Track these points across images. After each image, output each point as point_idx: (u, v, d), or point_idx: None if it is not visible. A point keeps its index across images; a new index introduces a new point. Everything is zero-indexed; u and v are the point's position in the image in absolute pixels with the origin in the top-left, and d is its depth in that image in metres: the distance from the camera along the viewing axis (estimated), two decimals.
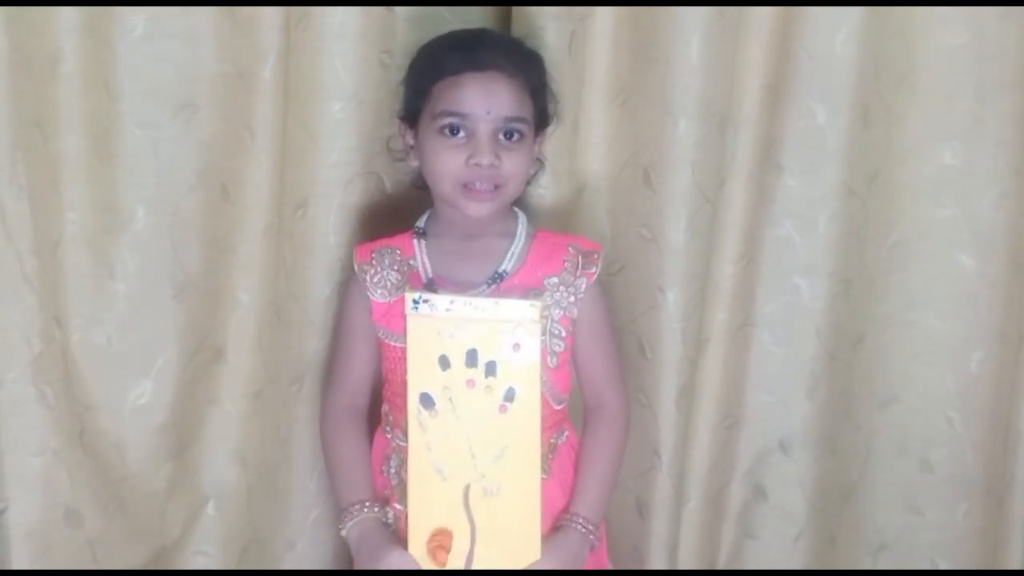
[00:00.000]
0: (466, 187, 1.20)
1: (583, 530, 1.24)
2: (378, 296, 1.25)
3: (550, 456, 1.27)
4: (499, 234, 1.27)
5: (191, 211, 1.26)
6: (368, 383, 1.32)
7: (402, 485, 1.24)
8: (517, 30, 1.35)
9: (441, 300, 1.18)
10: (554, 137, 1.33)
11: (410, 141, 1.26)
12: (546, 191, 1.38)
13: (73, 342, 1.23)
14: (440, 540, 1.20)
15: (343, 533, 1.25)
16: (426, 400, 1.19)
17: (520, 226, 1.28)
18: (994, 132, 1.41)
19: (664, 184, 1.34)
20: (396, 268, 1.26)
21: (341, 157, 1.34)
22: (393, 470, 1.27)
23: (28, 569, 1.22)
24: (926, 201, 1.44)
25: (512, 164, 1.21)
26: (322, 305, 1.37)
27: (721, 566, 1.55)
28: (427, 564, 1.20)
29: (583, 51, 1.35)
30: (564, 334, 1.25)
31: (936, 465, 1.54)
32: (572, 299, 1.25)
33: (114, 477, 1.29)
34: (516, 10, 1.36)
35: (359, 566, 1.24)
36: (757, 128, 1.35)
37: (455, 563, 1.20)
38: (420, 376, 1.19)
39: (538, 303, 1.19)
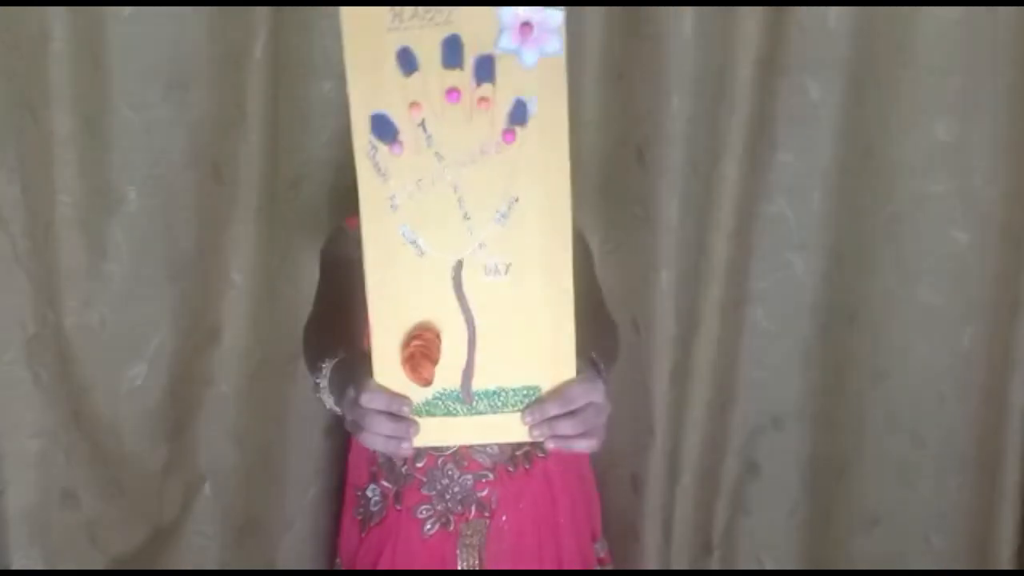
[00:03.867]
0: None
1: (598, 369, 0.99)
2: None
3: (535, 451, 1.20)
4: None
5: (184, 191, 1.26)
6: (359, 334, 1.05)
7: (389, 462, 1.19)
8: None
9: None
10: None
11: None
12: None
13: (67, 324, 1.22)
14: (421, 346, 0.83)
15: (326, 402, 0.97)
16: (382, 128, 0.79)
17: None
18: (988, 107, 1.40)
19: (657, 161, 1.34)
20: None
21: (333, 136, 1.33)
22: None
23: (28, 569, 1.22)
24: (919, 176, 1.44)
25: None
26: (316, 285, 1.37)
27: (715, 541, 1.56)
28: (404, 383, 0.84)
29: (576, 28, 1.34)
30: None
31: (929, 439, 1.54)
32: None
33: (111, 458, 1.29)
34: None
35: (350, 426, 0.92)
36: (751, 104, 1.34)
37: (446, 379, 0.84)
38: (368, 85, 0.78)
39: None
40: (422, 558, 1.20)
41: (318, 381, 0.96)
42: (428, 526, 1.20)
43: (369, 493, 1.24)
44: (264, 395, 1.38)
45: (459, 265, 0.83)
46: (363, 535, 1.24)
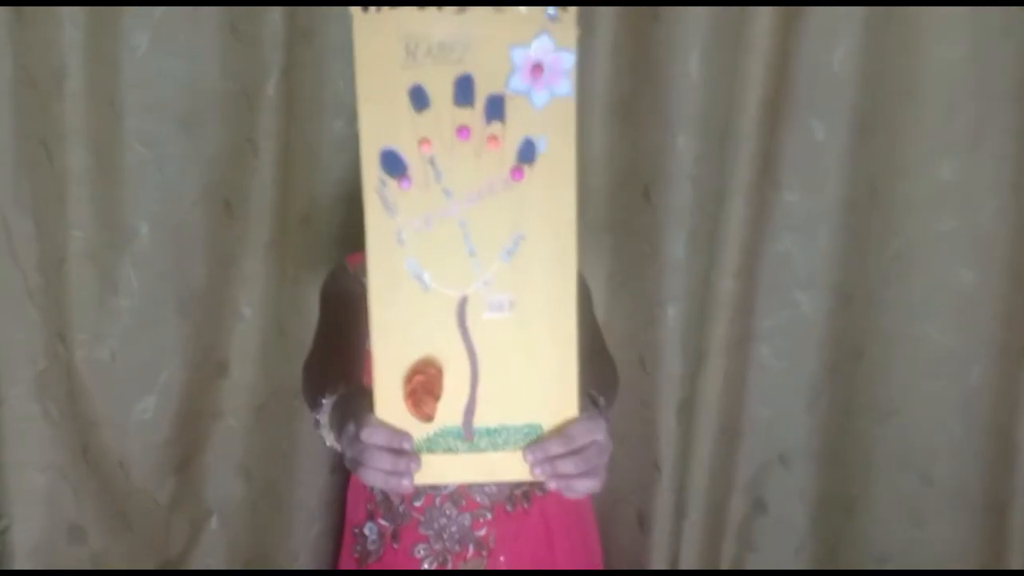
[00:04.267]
0: None
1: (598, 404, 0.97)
2: None
3: (534, 490, 1.20)
4: None
5: (195, 226, 1.27)
6: (358, 369, 1.08)
7: (386, 501, 1.18)
8: None
9: None
10: None
11: None
12: None
13: (77, 358, 1.23)
14: (423, 382, 0.83)
15: (326, 439, 0.94)
16: (391, 163, 0.79)
17: None
18: (993, 146, 1.41)
19: (664, 199, 1.35)
20: None
21: (344, 173, 1.35)
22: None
23: (28, 569, 1.22)
24: (925, 215, 1.44)
25: None
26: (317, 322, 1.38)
27: None
28: (405, 419, 0.83)
29: (582, 66, 1.35)
30: None
31: (937, 478, 1.53)
32: None
33: (118, 493, 1.29)
34: None
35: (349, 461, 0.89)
36: (756, 143, 1.35)
37: (448, 415, 0.83)
38: (378, 120, 0.78)
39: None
40: None
41: (318, 417, 0.94)
42: (426, 566, 1.19)
43: (367, 531, 1.24)
44: (272, 429, 1.38)
45: (464, 301, 0.83)
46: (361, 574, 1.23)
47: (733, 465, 1.51)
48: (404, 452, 0.84)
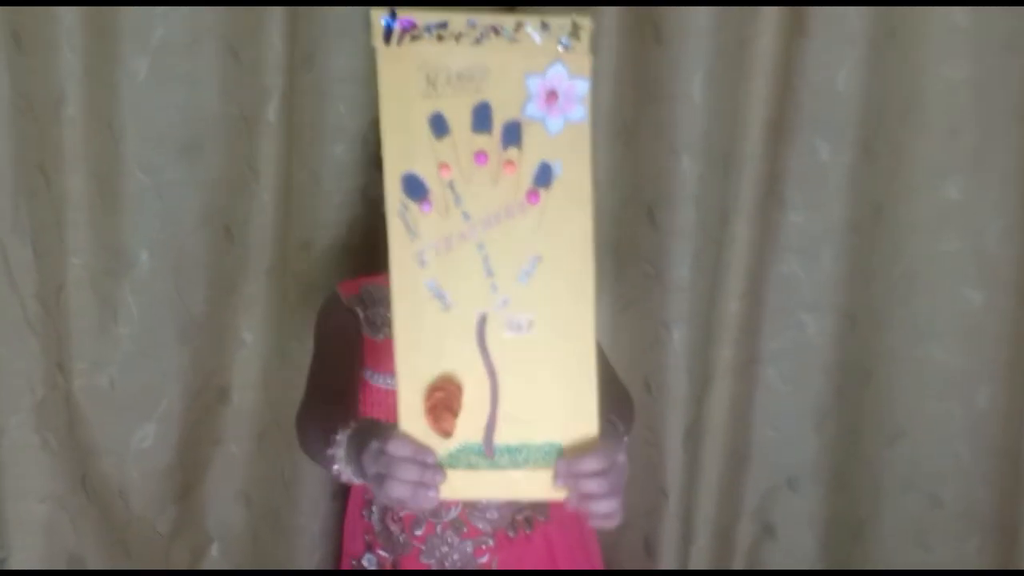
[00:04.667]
0: None
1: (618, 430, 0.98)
2: (368, 332, 1.21)
3: (536, 515, 1.20)
4: None
5: (195, 252, 1.26)
6: (354, 410, 1.14)
7: (386, 531, 1.18)
8: None
9: (427, 18, 0.81)
10: None
11: None
12: None
13: (76, 387, 1.22)
14: (443, 398, 0.84)
15: (339, 475, 0.93)
16: (413, 187, 0.82)
17: None
18: (999, 166, 1.41)
19: (668, 221, 1.34)
20: (386, 306, 1.20)
21: (345, 198, 1.34)
22: (376, 515, 1.22)
23: (27, 569, 1.20)
24: (931, 235, 1.43)
25: None
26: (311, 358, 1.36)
27: None
28: (427, 434, 0.85)
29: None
30: None
31: (946, 501, 1.52)
32: None
33: (118, 521, 1.28)
34: None
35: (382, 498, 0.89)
36: (760, 164, 1.34)
37: (469, 432, 0.85)
38: (401, 146, 0.82)
39: (587, 21, 0.82)
40: None
41: (332, 453, 0.93)
42: None
43: (365, 562, 1.23)
44: (273, 456, 1.37)
45: (483, 320, 0.85)
46: None
47: (740, 489, 1.49)
48: (430, 465, 0.85)
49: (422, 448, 0.85)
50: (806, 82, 1.36)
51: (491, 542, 1.18)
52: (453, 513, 1.18)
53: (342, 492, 1.43)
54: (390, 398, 1.08)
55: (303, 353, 1.35)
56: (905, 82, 1.39)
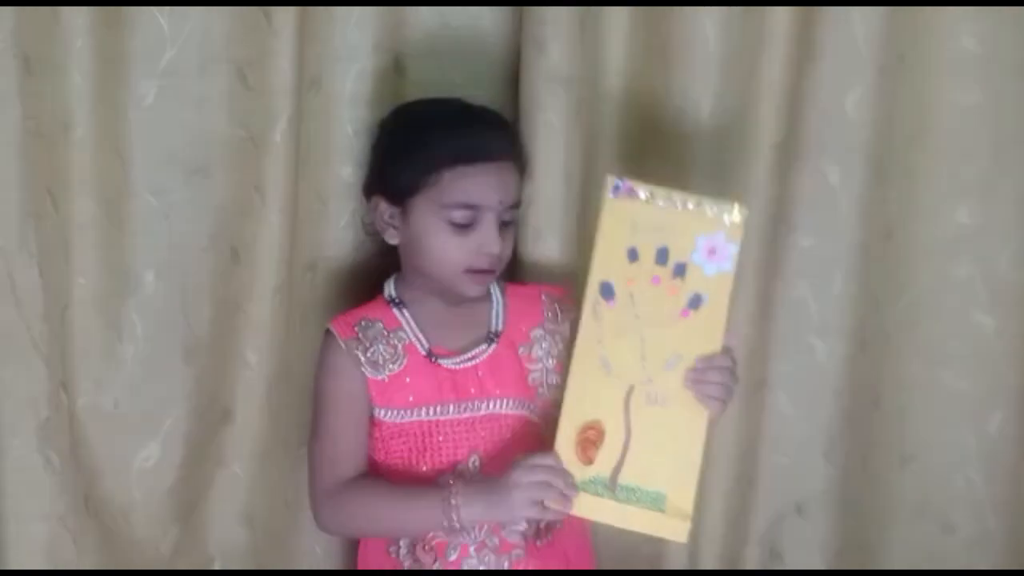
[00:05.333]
0: (468, 272, 1.20)
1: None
2: (371, 373, 1.21)
3: (553, 523, 1.22)
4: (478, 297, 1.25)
5: (201, 274, 1.26)
6: (365, 466, 1.25)
7: (417, 563, 1.21)
8: (527, 90, 1.34)
9: (642, 189, 1.14)
10: (555, 196, 1.32)
11: (392, 219, 1.22)
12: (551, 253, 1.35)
13: (80, 407, 1.22)
14: (590, 435, 1.14)
15: (456, 521, 1.14)
16: (606, 290, 1.15)
17: (495, 285, 1.27)
18: (1010, 190, 1.40)
19: None
20: (384, 341, 1.22)
21: (352, 219, 1.34)
22: (404, 550, 1.23)
23: (28, 569, 1.19)
24: (942, 260, 1.43)
25: (508, 247, 1.23)
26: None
27: None
28: (574, 459, 1.14)
29: (593, 115, 1.35)
30: (558, 380, 1.23)
31: (957, 527, 1.50)
32: (561, 345, 1.25)
33: (120, 542, 1.27)
34: (525, 66, 1.32)
35: (503, 515, 1.15)
36: (770, 188, 1.34)
37: (603, 467, 1.14)
38: (605, 264, 1.15)
39: (745, 209, 1.15)
40: None
41: (453, 501, 1.14)
42: None
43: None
44: (276, 477, 1.36)
45: (631, 389, 1.15)
46: None
47: (748, 514, 1.48)
48: (570, 481, 1.13)
49: (564, 469, 1.14)
50: (816, 106, 1.35)
51: (522, 553, 1.21)
52: (482, 534, 1.20)
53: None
54: (405, 429, 1.21)
55: (308, 374, 1.35)
56: (915, 106, 1.38)
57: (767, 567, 1.50)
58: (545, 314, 1.27)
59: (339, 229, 1.34)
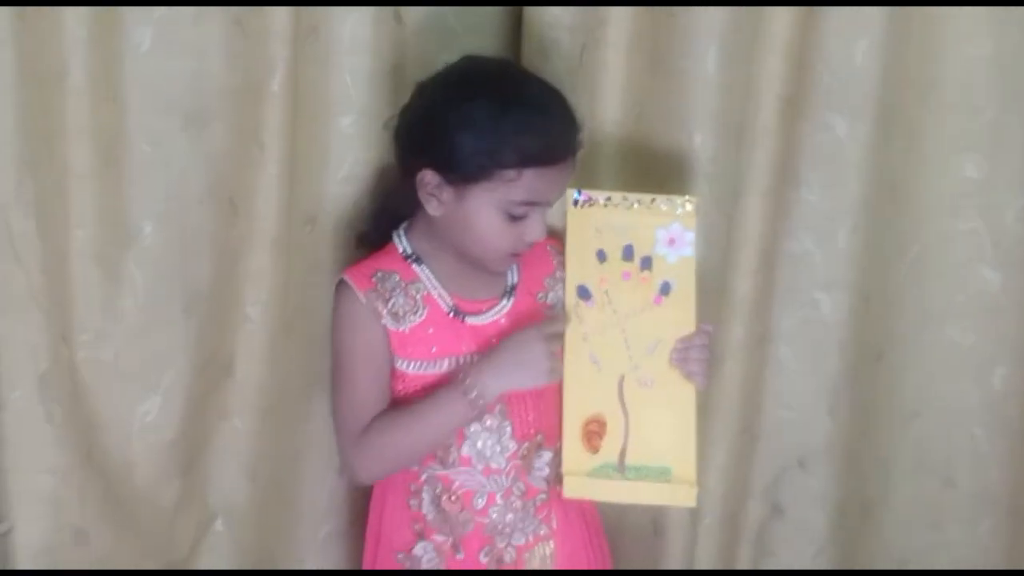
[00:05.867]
0: (510, 255, 1.21)
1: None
2: (392, 324, 1.22)
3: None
4: None
5: (200, 225, 1.25)
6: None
7: (441, 514, 1.23)
8: (529, 37, 1.32)
9: (599, 195, 1.24)
10: None
11: (438, 191, 1.18)
12: (558, 204, 1.35)
13: (80, 359, 1.21)
14: (594, 427, 1.23)
15: (474, 397, 1.18)
16: (583, 292, 1.24)
17: None
18: (1017, 144, 1.38)
19: None
20: (403, 293, 1.23)
21: (351, 171, 1.32)
22: (427, 501, 1.24)
23: (29, 569, 1.20)
24: (948, 214, 1.41)
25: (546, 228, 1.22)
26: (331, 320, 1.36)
27: None
28: (581, 450, 1.22)
29: (595, 63, 1.33)
30: None
31: (959, 482, 1.51)
32: None
33: (122, 495, 1.27)
34: (527, 14, 1.33)
35: (526, 375, 1.20)
36: (775, 141, 1.32)
37: (608, 454, 1.22)
38: (578, 268, 1.24)
39: (694, 198, 1.24)
40: None
41: (468, 381, 1.18)
42: (493, 565, 1.23)
43: (418, 552, 1.24)
44: (278, 430, 1.36)
45: (622, 378, 1.24)
46: None
47: (750, 469, 1.48)
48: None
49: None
50: (823, 57, 1.33)
51: (546, 498, 1.25)
52: (508, 480, 1.23)
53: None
54: (428, 381, 1.23)
55: (308, 328, 1.35)
56: (924, 58, 1.36)
57: (769, 521, 1.51)
58: (555, 263, 1.30)
59: (338, 181, 1.32)
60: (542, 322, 1.22)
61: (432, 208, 1.20)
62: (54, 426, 1.18)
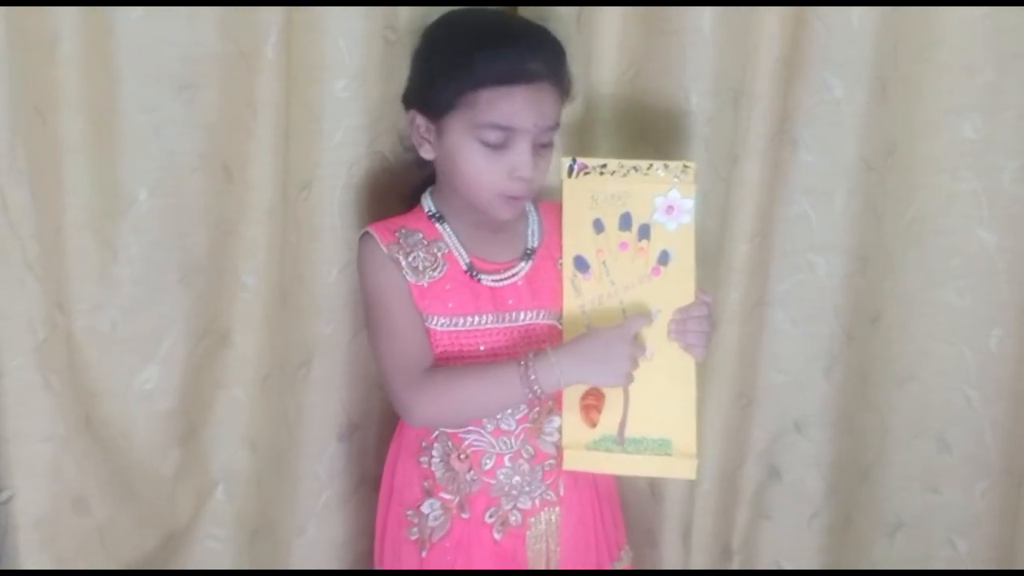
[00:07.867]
0: (501, 196, 1.20)
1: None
2: (412, 277, 1.22)
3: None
4: None
5: (194, 193, 1.24)
6: (432, 358, 1.24)
7: (450, 472, 1.23)
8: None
9: (594, 162, 1.21)
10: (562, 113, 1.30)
11: (427, 134, 1.22)
12: (555, 167, 1.35)
13: (77, 328, 1.20)
14: (591, 401, 1.20)
15: (538, 389, 1.16)
16: (580, 263, 1.22)
17: (530, 203, 1.27)
18: (1015, 105, 1.38)
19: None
20: (424, 249, 1.23)
21: (346, 137, 1.32)
22: (437, 459, 1.25)
23: (30, 569, 1.20)
24: (945, 175, 1.41)
25: (544, 171, 1.22)
26: (328, 288, 1.36)
27: (735, 547, 1.54)
28: (580, 424, 1.21)
29: (592, 23, 1.32)
30: None
31: (954, 444, 1.51)
32: None
33: (122, 463, 1.27)
34: None
35: (606, 372, 1.18)
36: (772, 102, 1.32)
37: (609, 426, 1.21)
38: (575, 239, 1.22)
39: (692, 164, 1.20)
40: (494, 561, 1.23)
41: (532, 376, 1.16)
42: (498, 527, 1.23)
43: (425, 509, 1.24)
44: (276, 398, 1.36)
45: None
46: (424, 554, 1.24)
47: (747, 432, 1.49)
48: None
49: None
50: (820, 17, 1.32)
51: (555, 463, 1.24)
52: (517, 443, 1.23)
53: (349, 434, 1.43)
54: (441, 337, 1.22)
55: (305, 296, 1.35)
56: (922, 19, 1.35)
57: (766, 484, 1.52)
58: None
59: (333, 147, 1.32)
60: (625, 323, 1.19)
61: (425, 152, 1.23)
62: (52, 394, 1.18)
